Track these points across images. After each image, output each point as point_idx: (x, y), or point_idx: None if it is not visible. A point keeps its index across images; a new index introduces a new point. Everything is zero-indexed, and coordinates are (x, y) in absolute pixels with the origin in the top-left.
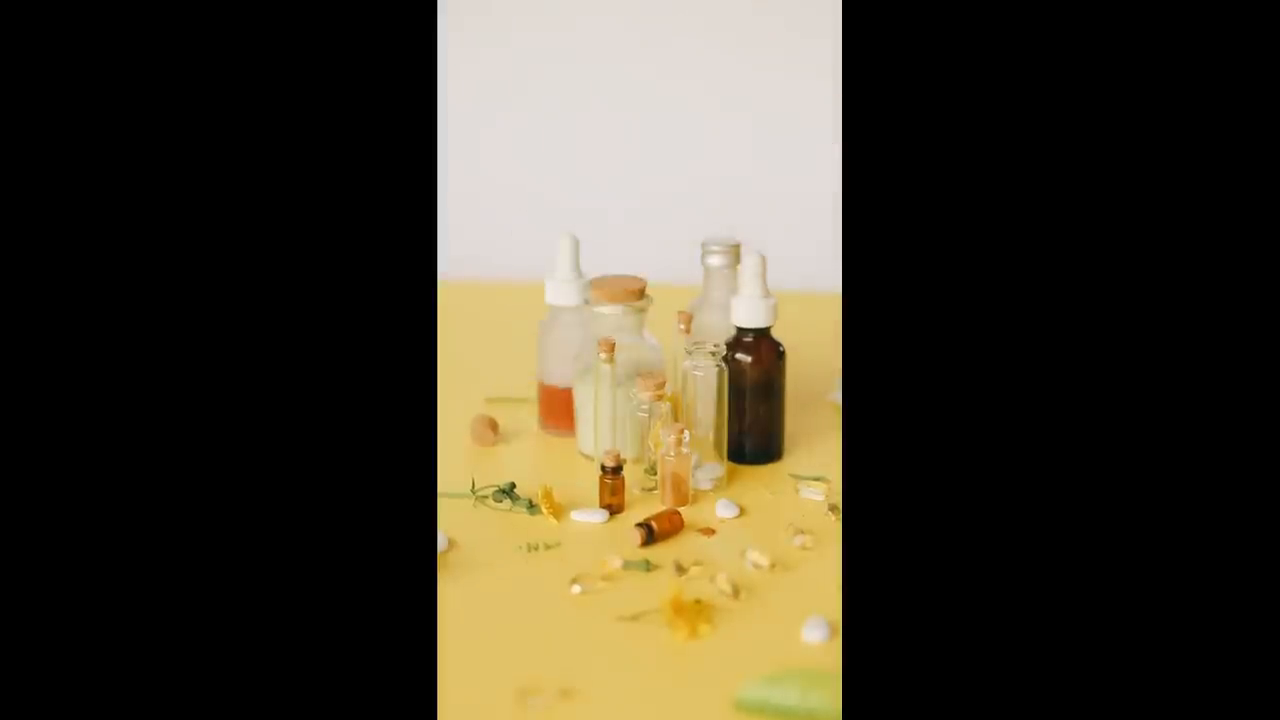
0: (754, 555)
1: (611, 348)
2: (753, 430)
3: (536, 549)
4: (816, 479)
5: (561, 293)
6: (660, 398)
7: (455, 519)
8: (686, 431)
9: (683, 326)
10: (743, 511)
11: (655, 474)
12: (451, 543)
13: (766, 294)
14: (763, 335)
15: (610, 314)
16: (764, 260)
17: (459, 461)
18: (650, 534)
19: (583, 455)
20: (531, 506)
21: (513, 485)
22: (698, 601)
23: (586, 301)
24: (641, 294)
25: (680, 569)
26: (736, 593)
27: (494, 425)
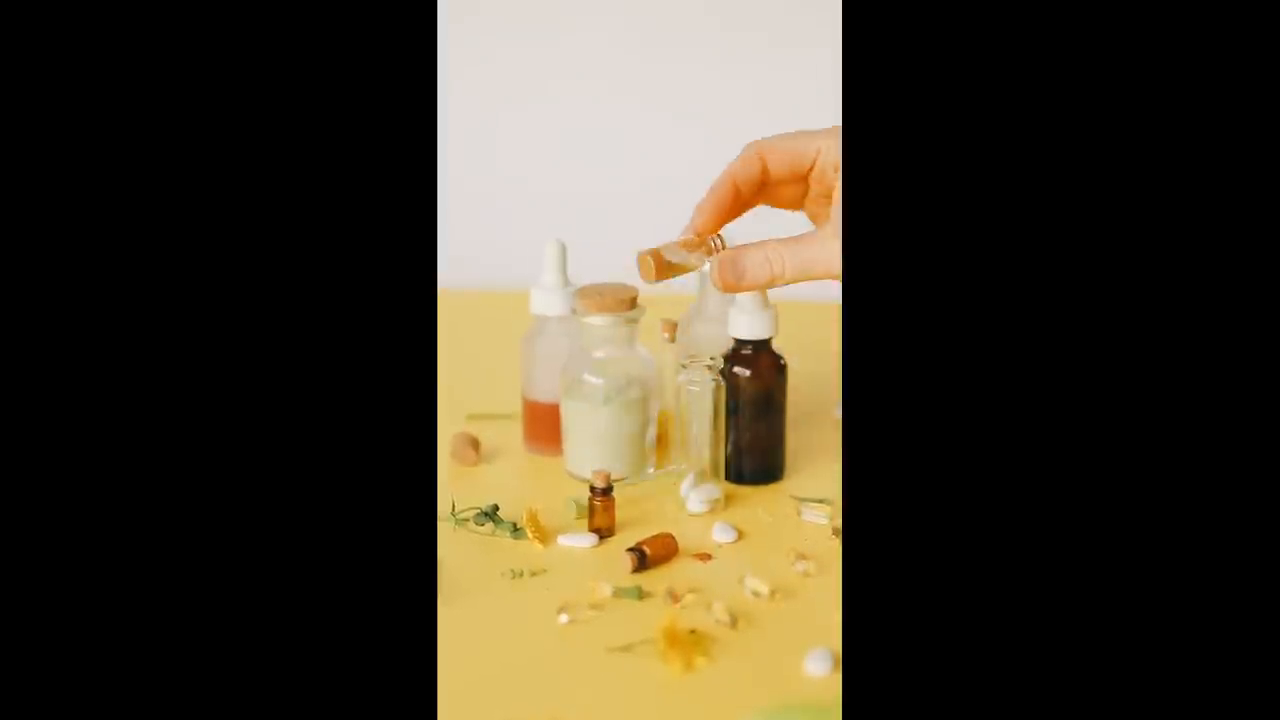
0: (753, 582)
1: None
2: (751, 449)
3: (521, 575)
4: (819, 501)
5: (548, 302)
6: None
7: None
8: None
9: (666, 335)
10: (741, 536)
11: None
12: None
13: (766, 304)
14: (762, 348)
15: (600, 325)
16: None
17: (439, 482)
18: (642, 559)
19: (570, 475)
20: (515, 530)
21: (495, 507)
22: (693, 632)
23: (574, 311)
24: (633, 304)
25: (674, 597)
26: (734, 622)
27: (475, 443)
